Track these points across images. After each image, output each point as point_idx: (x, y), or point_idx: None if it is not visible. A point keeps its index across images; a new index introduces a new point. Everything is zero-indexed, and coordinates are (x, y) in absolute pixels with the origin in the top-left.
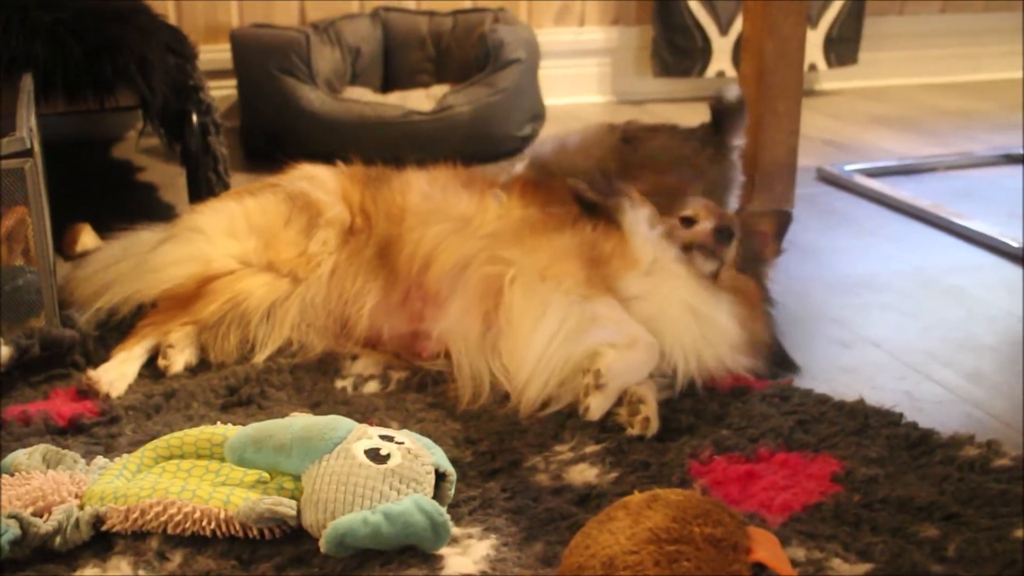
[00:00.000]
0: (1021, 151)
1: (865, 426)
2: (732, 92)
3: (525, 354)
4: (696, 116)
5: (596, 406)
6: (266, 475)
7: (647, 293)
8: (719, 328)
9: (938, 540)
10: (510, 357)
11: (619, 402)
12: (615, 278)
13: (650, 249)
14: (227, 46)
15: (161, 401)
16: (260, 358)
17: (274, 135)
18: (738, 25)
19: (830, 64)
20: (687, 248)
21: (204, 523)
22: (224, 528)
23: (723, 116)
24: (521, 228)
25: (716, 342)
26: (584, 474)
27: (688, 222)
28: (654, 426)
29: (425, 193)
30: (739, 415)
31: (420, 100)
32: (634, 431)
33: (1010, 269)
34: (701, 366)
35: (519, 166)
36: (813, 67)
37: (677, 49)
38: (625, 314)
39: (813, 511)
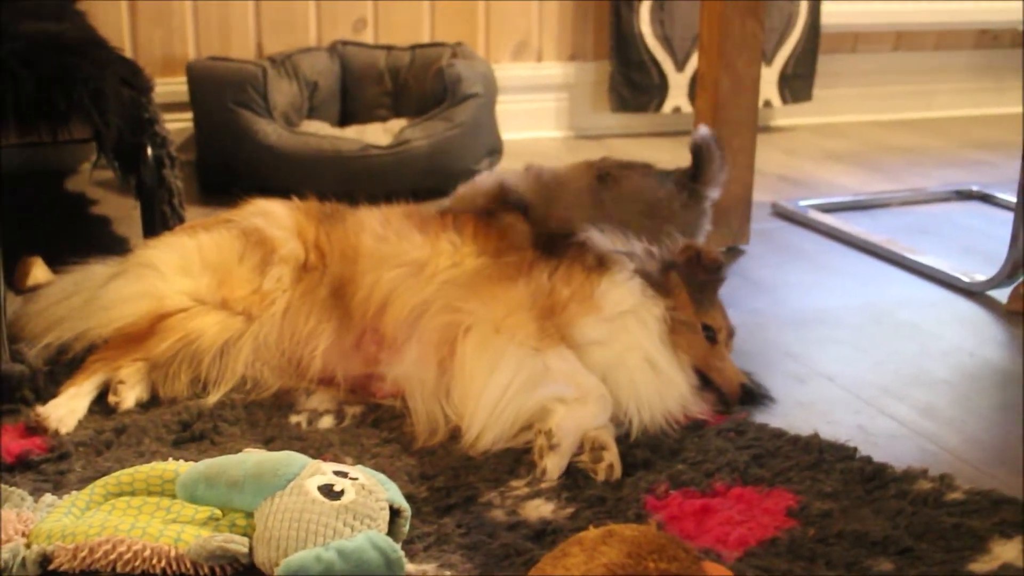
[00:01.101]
0: (972, 187)
1: (820, 460)
2: (702, 134)
3: (477, 406)
4: (653, 151)
5: (553, 466)
6: (218, 512)
7: (606, 340)
8: (677, 388)
9: (892, 574)
10: (463, 406)
11: (579, 448)
12: (570, 324)
13: (628, 300)
14: (183, 79)
15: (112, 437)
16: (213, 399)
17: (230, 169)
18: (694, 61)
19: (785, 100)
20: (705, 382)
21: (154, 561)
22: (175, 566)
23: (703, 163)
24: (476, 276)
25: (671, 401)
26: (540, 510)
27: (709, 332)
28: (618, 471)
29: (379, 235)
30: (695, 450)
31: (378, 134)
32: (599, 477)
33: (962, 304)
34: (653, 420)
35: (485, 177)
36: (768, 103)
37: (634, 85)
38: (578, 365)
39: (768, 546)
